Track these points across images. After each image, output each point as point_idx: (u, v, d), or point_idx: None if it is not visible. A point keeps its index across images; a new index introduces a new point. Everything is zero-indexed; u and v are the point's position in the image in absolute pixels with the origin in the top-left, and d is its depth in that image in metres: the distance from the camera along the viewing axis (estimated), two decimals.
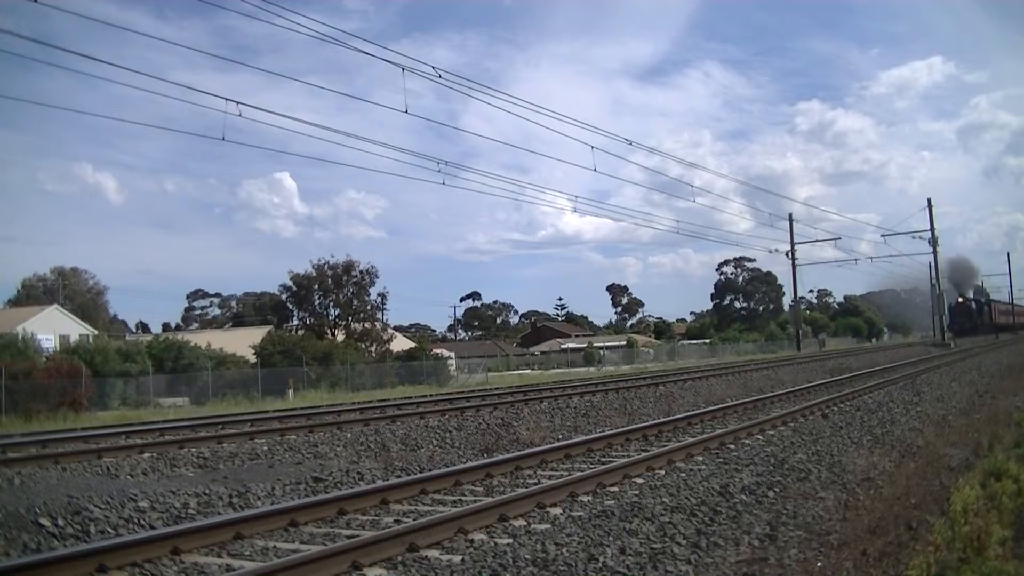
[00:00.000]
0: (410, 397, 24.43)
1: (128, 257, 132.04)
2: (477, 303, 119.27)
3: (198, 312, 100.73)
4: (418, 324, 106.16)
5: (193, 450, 12.09)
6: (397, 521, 7.01)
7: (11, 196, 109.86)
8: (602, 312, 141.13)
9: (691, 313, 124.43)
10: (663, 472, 9.12)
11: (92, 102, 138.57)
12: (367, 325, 48.79)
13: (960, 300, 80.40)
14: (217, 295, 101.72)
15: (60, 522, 7.08)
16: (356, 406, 19.97)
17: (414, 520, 6.84)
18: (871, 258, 56.23)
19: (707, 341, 77.61)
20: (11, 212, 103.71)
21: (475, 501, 7.75)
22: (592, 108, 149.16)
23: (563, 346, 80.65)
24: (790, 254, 58.65)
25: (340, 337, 46.68)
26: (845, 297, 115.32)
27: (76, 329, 51.56)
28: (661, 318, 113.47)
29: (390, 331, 51.13)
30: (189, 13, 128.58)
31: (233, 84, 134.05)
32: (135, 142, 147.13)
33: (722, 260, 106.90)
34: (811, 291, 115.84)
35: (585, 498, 7.82)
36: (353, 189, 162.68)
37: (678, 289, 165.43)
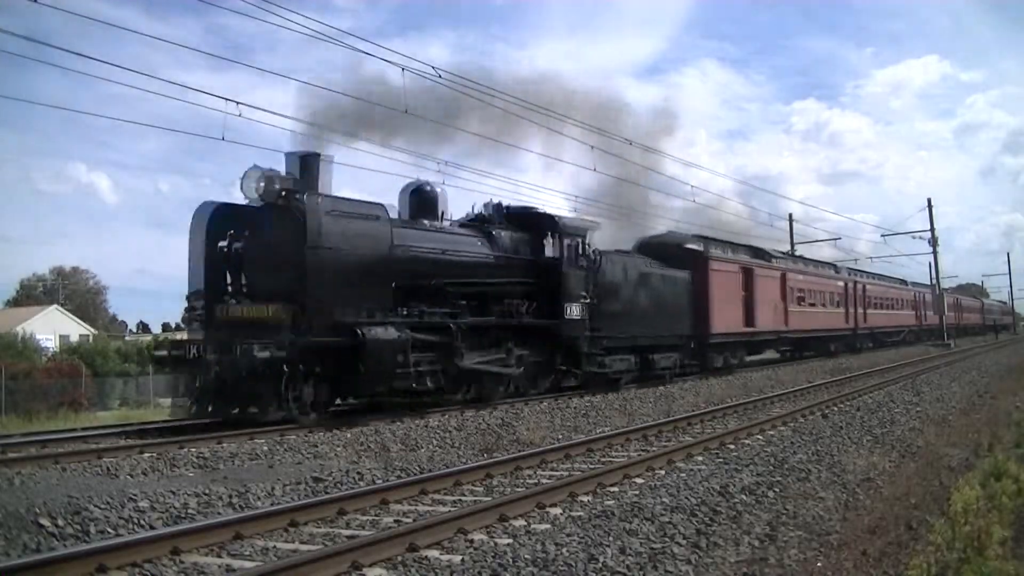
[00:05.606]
0: None
1: (126, 257, 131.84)
2: None
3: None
4: None
5: (193, 450, 12.08)
6: (397, 521, 7.00)
7: (5, 195, 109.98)
8: None
9: None
10: (663, 472, 9.11)
11: (86, 101, 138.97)
12: None
13: None
14: None
15: (60, 522, 7.06)
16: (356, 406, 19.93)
17: (414, 520, 6.84)
18: (871, 258, 55.88)
19: None
20: (6, 212, 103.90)
21: (475, 501, 7.75)
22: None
23: None
24: (790, 254, 58.53)
25: None
26: None
27: (76, 329, 51.61)
28: None
29: None
30: (182, 11, 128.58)
31: (228, 83, 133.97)
32: (129, 141, 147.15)
33: None
34: None
35: (585, 498, 7.81)
36: (349, 189, 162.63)
37: None
